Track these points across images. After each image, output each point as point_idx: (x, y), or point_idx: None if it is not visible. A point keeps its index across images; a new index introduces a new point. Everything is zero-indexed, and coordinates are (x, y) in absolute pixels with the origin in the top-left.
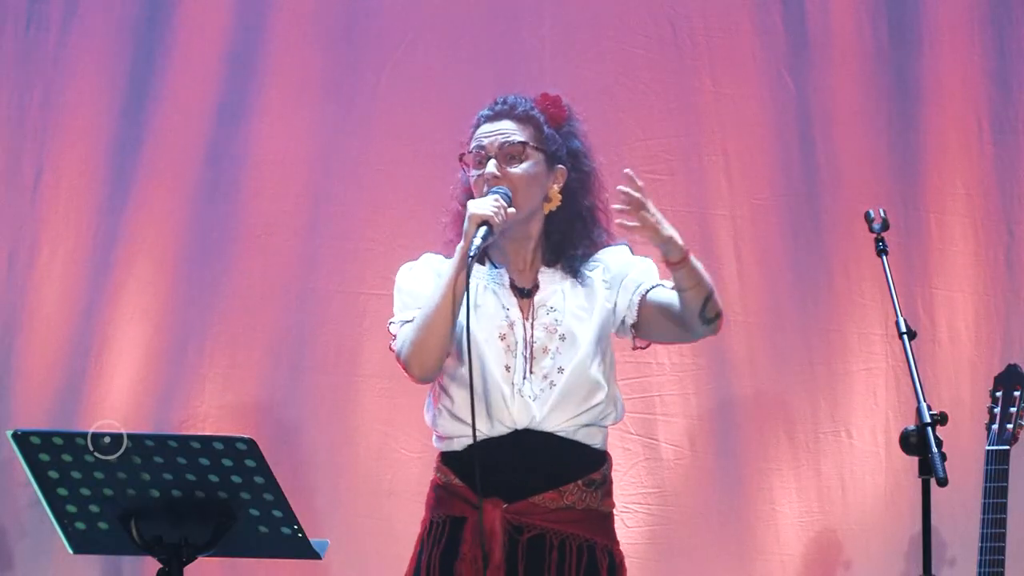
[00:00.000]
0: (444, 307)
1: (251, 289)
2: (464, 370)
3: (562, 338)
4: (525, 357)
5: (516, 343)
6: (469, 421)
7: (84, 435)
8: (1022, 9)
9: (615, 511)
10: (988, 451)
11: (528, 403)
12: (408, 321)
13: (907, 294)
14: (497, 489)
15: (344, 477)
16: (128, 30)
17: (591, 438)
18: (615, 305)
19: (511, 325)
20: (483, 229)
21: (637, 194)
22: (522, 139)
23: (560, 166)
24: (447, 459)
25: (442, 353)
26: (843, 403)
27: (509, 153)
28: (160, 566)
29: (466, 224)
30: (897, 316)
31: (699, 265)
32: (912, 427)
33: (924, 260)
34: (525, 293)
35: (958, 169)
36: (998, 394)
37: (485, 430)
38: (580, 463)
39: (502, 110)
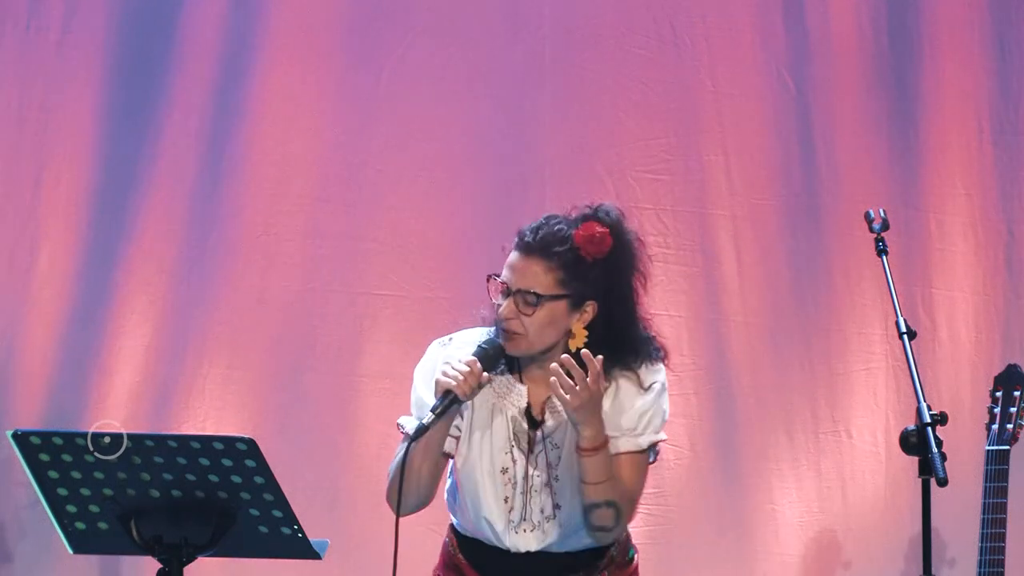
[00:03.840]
0: (420, 460)
1: (251, 289)
2: (467, 488)
3: (557, 479)
4: (524, 493)
5: (516, 478)
6: (472, 532)
7: (84, 435)
8: (1022, 9)
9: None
10: (988, 451)
11: (524, 536)
12: (408, 434)
13: (907, 294)
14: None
15: (344, 477)
16: (128, 30)
17: (601, 541)
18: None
19: (514, 461)
20: (450, 396)
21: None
22: (539, 290)
23: (590, 302)
24: (454, 530)
25: (424, 496)
26: (843, 403)
27: (525, 300)
28: (160, 566)
29: (435, 388)
30: (897, 316)
31: (607, 468)
32: (912, 427)
33: (924, 260)
34: (535, 423)
35: (958, 169)
36: (998, 394)
37: (481, 539)
38: (586, 561)
39: (532, 246)
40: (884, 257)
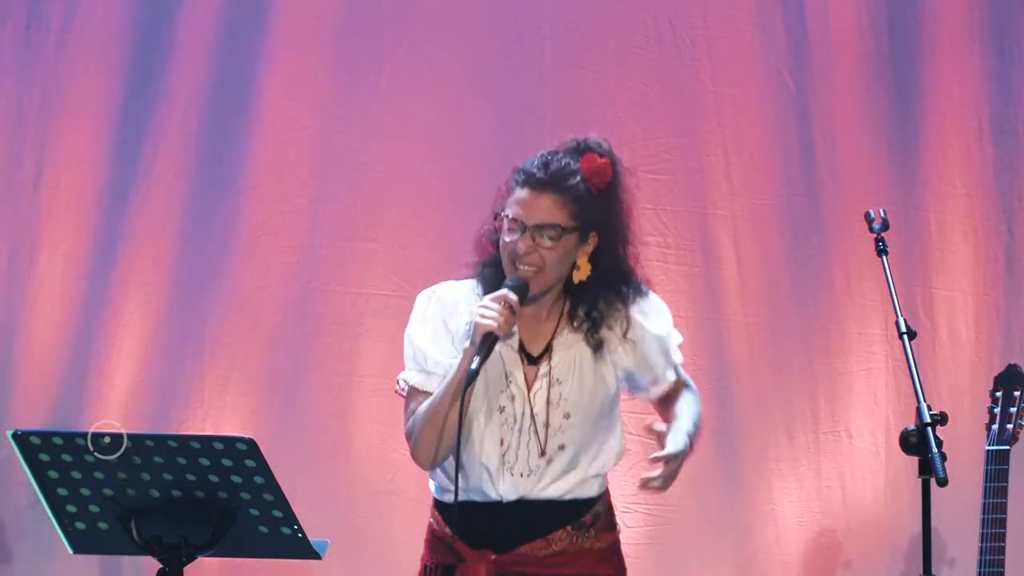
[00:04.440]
0: (450, 414)
1: (251, 289)
2: (463, 432)
3: (566, 416)
4: (523, 432)
5: (515, 417)
6: (461, 486)
7: (84, 435)
8: (1022, 9)
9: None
10: (988, 451)
11: (518, 481)
12: (415, 387)
13: (907, 294)
14: (486, 541)
15: (344, 477)
16: (128, 30)
17: (587, 491)
18: (630, 364)
19: (512, 398)
20: (491, 338)
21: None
22: (559, 223)
23: (593, 233)
24: (438, 505)
25: (448, 450)
26: (843, 403)
27: (544, 234)
28: (160, 566)
29: (472, 333)
30: (897, 316)
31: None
32: (912, 427)
33: (924, 260)
34: (533, 359)
35: (958, 169)
36: (998, 394)
37: (474, 497)
38: (570, 514)
39: (545, 181)
40: (884, 257)
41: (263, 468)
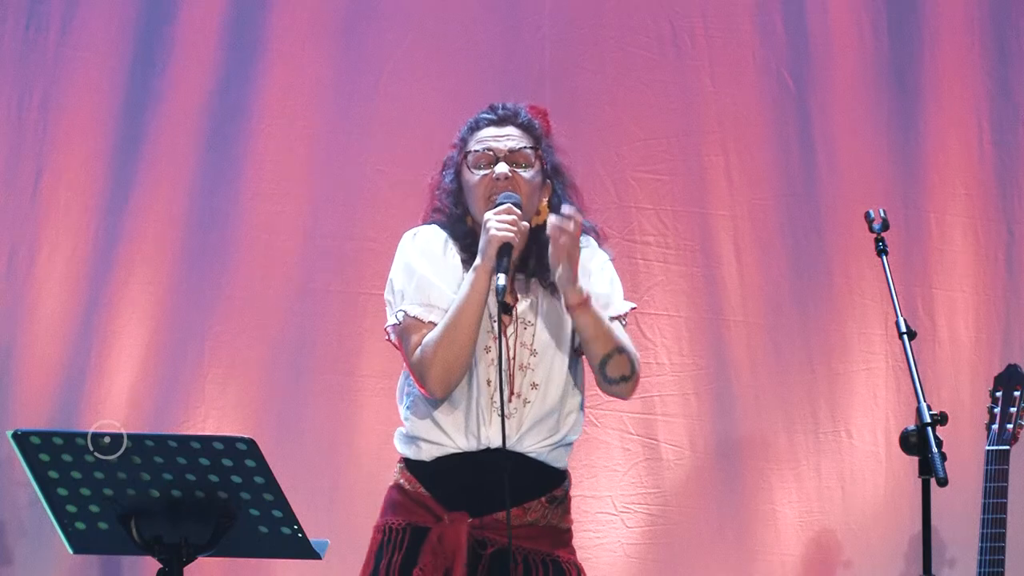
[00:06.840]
0: (472, 331)
1: (251, 289)
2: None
3: (533, 354)
4: (504, 373)
5: (496, 358)
6: (449, 432)
7: (84, 435)
8: (1022, 10)
9: (616, 513)
10: (988, 451)
11: (501, 425)
12: (417, 319)
13: (907, 294)
14: (463, 503)
15: (344, 477)
16: (128, 30)
17: (558, 460)
18: None
19: (495, 339)
20: (507, 250)
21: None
22: (531, 145)
23: (547, 180)
24: (412, 467)
25: (463, 374)
26: (843, 403)
27: (518, 159)
28: (160, 566)
29: (484, 243)
30: (897, 316)
31: (604, 317)
32: (912, 427)
33: (924, 260)
34: (506, 307)
35: (958, 169)
36: (998, 394)
37: (461, 444)
38: (544, 482)
39: (506, 116)
40: (884, 257)
41: (263, 468)
